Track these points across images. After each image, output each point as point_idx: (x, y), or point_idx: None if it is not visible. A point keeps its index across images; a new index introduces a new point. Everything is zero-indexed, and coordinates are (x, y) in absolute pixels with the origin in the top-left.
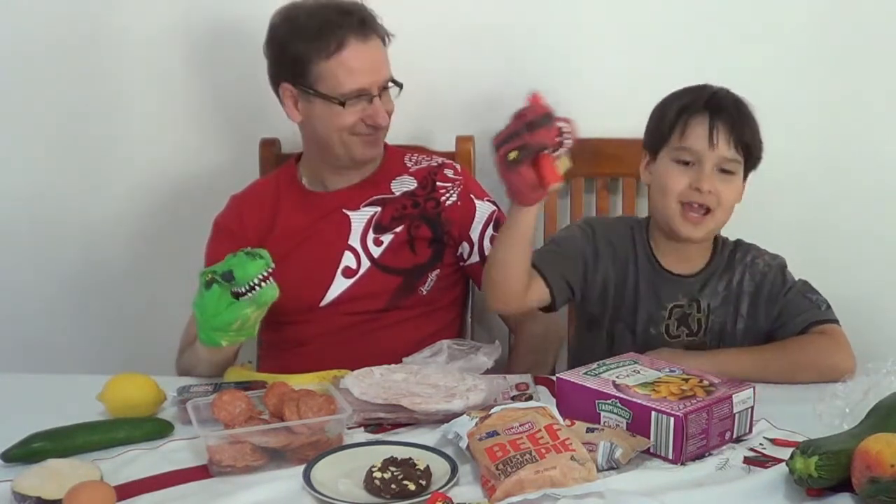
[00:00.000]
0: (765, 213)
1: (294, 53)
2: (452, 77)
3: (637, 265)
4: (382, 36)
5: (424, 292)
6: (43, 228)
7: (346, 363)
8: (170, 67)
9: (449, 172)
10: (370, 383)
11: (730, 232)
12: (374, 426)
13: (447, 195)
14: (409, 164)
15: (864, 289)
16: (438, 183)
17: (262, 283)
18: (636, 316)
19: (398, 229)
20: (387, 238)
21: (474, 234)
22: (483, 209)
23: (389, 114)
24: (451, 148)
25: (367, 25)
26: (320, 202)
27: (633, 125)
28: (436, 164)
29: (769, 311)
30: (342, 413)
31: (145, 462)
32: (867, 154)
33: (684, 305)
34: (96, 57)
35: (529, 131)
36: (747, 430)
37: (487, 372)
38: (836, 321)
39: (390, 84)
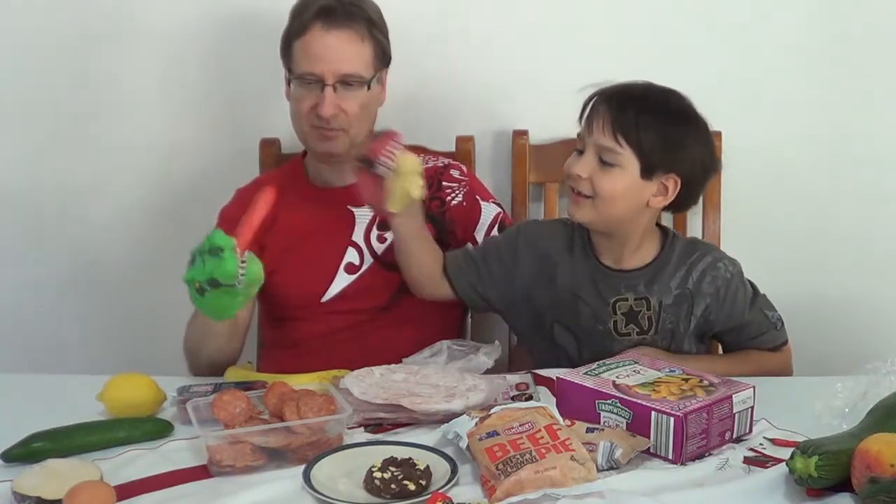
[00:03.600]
0: (765, 213)
1: (285, 31)
2: (452, 77)
3: (573, 262)
4: (362, 32)
5: None
6: (43, 228)
7: (346, 363)
8: (169, 67)
9: (455, 173)
10: (370, 383)
11: (729, 231)
12: (374, 426)
13: (453, 195)
14: None
15: (864, 289)
16: (444, 183)
17: (243, 269)
18: (577, 312)
19: None
20: (390, 235)
21: (479, 236)
22: (488, 211)
23: (348, 112)
24: (451, 148)
25: (336, 14)
26: (325, 198)
27: None
28: (442, 164)
29: (728, 321)
30: (342, 413)
31: (145, 462)
32: (867, 154)
33: (630, 300)
34: (95, 57)
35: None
36: (747, 430)
37: (487, 372)
38: (786, 340)
39: (354, 80)
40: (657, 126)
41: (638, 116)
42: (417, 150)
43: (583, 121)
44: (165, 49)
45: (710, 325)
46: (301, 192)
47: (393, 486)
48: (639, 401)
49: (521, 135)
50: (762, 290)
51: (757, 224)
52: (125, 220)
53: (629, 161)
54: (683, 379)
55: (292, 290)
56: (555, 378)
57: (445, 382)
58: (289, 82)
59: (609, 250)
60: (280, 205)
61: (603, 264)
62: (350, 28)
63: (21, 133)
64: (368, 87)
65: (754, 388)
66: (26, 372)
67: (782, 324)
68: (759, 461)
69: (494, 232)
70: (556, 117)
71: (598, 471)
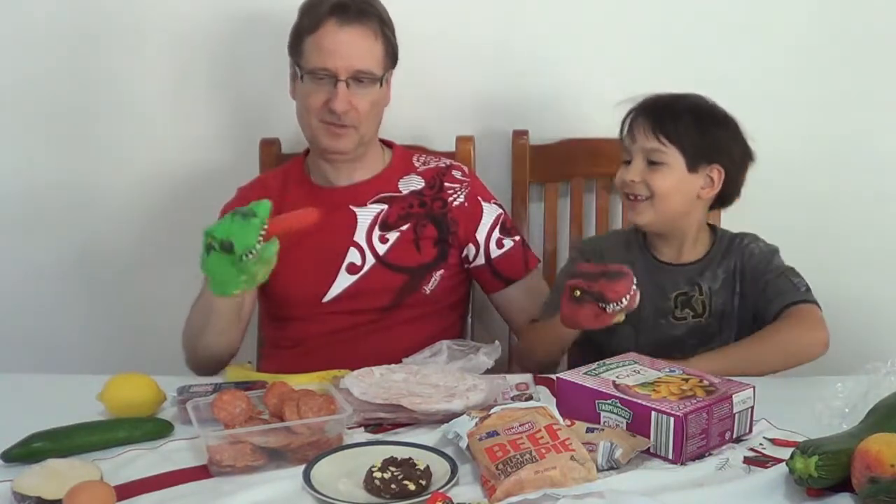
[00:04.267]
0: (765, 213)
1: (295, 27)
2: (452, 78)
3: (634, 265)
4: (375, 29)
5: (428, 292)
6: (43, 228)
7: (347, 363)
8: (170, 67)
9: (457, 174)
10: (370, 383)
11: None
12: (374, 426)
13: (454, 196)
14: (417, 164)
15: (864, 289)
16: (446, 184)
17: (259, 244)
18: (640, 307)
19: (404, 227)
20: (392, 236)
21: (480, 237)
22: (490, 211)
23: (360, 108)
24: (451, 148)
25: (350, 11)
26: (327, 197)
27: None
28: (444, 164)
29: (755, 288)
30: (342, 413)
31: (145, 462)
32: (867, 154)
33: (686, 291)
34: (96, 57)
35: (604, 279)
36: (747, 430)
37: (487, 372)
38: (813, 302)
39: (367, 77)
40: (693, 123)
41: (675, 117)
42: (425, 151)
43: (624, 133)
44: (166, 49)
45: (748, 299)
46: (303, 191)
47: (393, 486)
48: (639, 401)
49: (521, 135)
50: None
51: (757, 224)
52: (125, 219)
53: (674, 157)
54: (683, 379)
55: (294, 290)
56: (555, 378)
57: (445, 382)
58: (294, 79)
59: (667, 248)
60: (282, 203)
61: (661, 261)
62: (363, 25)
63: (21, 133)
64: (381, 85)
65: (754, 388)
66: (26, 372)
67: (808, 289)
68: (759, 461)
69: (496, 232)
70: (555, 117)
71: (598, 471)
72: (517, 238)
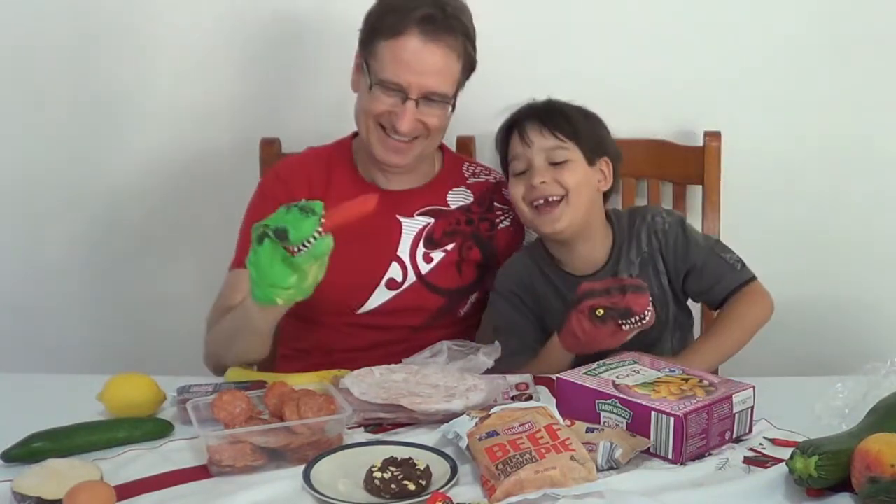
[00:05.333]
0: (765, 213)
1: (371, 22)
2: None
3: (550, 282)
4: (458, 48)
5: (462, 314)
6: (43, 228)
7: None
8: (170, 67)
9: (507, 193)
10: (370, 383)
11: (730, 231)
12: (374, 426)
13: (503, 218)
14: (466, 175)
15: (864, 289)
16: (496, 203)
17: (315, 237)
18: None
19: (449, 247)
20: (437, 255)
21: None
22: (531, 237)
23: (431, 127)
24: (451, 148)
25: (438, 25)
26: None
27: (632, 125)
28: (494, 180)
29: (678, 267)
30: (342, 413)
31: (145, 462)
32: (867, 154)
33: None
34: (96, 57)
35: (623, 294)
36: (747, 430)
37: (487, 372)
38: (752, 277)
39: (439, 98)
40: (580, 119)
41: (564, 115)
42: (467, 157)
43: (513, 142)
44: (166, 49)
45: (675, 278)
46: (349, 185)
47: (393, 486)
48: (639, 401)
49: None
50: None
51: (757, 224)
52: (125, 219)
53: (575, 153)
54: (683, 379)
55: (329, 297)
56: (555, 378)
57: (445, 382)
58: (359, 71)
59: (574, 257)
60: (327, 193)
61: (574, 275)
62: (447, 43)
63: (20, 133)
64: (453, 108)
65: (754, 388)
66: (26, 372)
67: (743, 265)
68: (758, 461)
69: None
70: None
71: (598, 471)
72: None
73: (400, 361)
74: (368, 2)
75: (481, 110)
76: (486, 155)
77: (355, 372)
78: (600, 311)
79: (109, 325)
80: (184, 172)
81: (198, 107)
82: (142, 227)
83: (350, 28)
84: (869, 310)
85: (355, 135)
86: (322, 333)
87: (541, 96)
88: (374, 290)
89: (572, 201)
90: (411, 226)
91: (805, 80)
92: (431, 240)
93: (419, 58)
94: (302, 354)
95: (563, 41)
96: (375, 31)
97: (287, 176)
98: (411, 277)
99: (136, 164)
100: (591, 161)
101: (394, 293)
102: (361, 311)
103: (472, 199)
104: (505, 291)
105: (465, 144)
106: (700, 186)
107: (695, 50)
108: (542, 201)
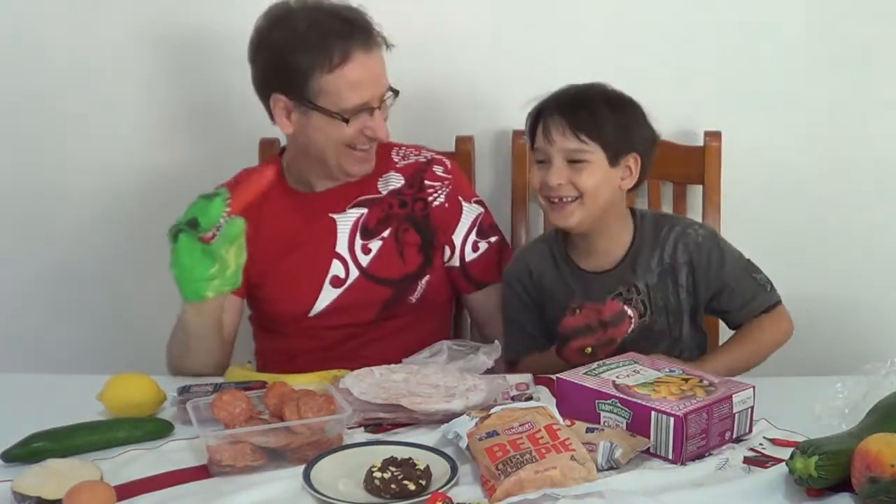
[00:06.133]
0: (765, 213)
1: (292, 65)
2: (452, 78)
3: (562, 276)
4: (381, 43)
5: (414, 300)
6: (42, 228)
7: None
8: (169, 67)
9: (438, 170)
10: (370, 383)
11: (730, 231)
12: (374, 426)
13: (435, 195)
14: (396, 159)
15: (864, 289)
16: (427, 182)
17: (223, 221)
18: None
19: (385, 233)
20: (375, 245)
21: (457, 239)
22: (469, 212)
23: (384, 125)
24: (451, 148)
25: (370, 35)
26: (306, 204)
27: None
28: (424, 159)
29: (709, 285)
30: (342, 413)
31: (145, 462)
32: (867, 154)
33: (623, 293)
34: (96, 57)
35: (605, 329)
36: (747, 430)
37: (487, 372)
38: (778, 300)
39: (389, 94)
40: (610, 116)
41: (591, 113)
42: (396, 143)
43: (537, 134)
44: (166, 49)
45: (700, 294)
46: (282, 197)
47: (393, 486)
48: (639, 401)
49: (521, 135)
50: None
51: (757, 224)
52: (125, 220)
53: (596, 155)
54: (683, 379)
55: (280, 305)
56: (555, 378)
57: (445, 382)
58: (290, 113)
59: (588, 253)
60: (262, 211)
61: (587, 272)
62: (376, 43)
63: (18, 134)
64: (396, 93)
65: (754, 388)
66: (26, 372)
67: (772, 286)
68: (758, 461)
69: (473, 235)
70: None
71: (598, 471)
72: (494, 240)
73: (365, 358)
74: (369, 2)
75: (480, 110)
76: (486, 154)
77: (355, 372)
78: (588, 350)
79: (109, 325)
80: (184, 172)
81: (198, 107)
82: (142, 227)
83: None
84: (869, 310)
85: (282, 151)
86: (286, 341)
87: (539, 96)
88: (320, 291)
89: (587, 203)
90: (345, 220)
91: (805, 80)
92: (367, 230)
93: (369, 70)
94: (276, 363)
95: (562, 41)
96: (305, 71)
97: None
98: (353, 272)
99: (136, 163)
100: (614, 161)
101: (340, 290)
102: (313, 313)
103: (402, 182)
104: (511, 279)
105: (465, 144)
106: (700, 186)
107: (695, 50)
108: (556, 199)
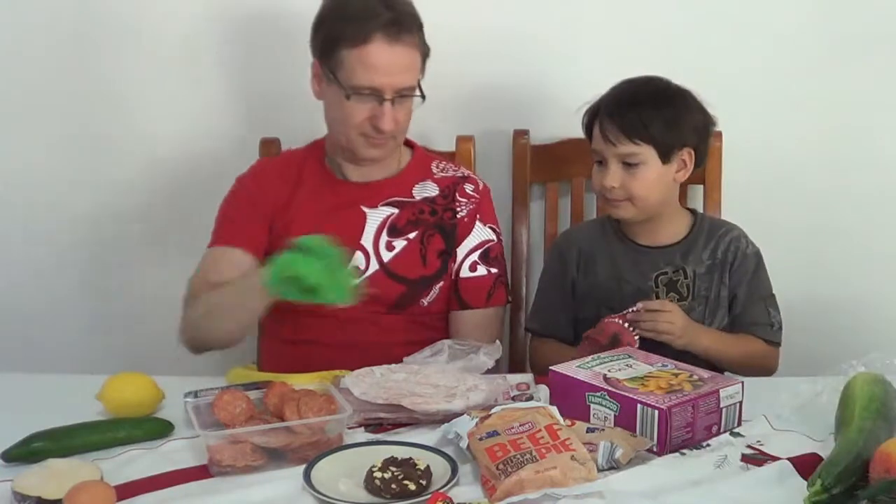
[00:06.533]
0: (765, 213)
1: (328, 32)
2: (453, 77)
3: (611, 249)
4: (418, 43)
5: (425, 304)
6: (42, 228)
7: (344, 363)
8: (169, 67)
9: (469, 188)
10: (370, 383)
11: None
12: (375, 426)
13: (461, 209)
14: (434, 171)
15: (864, 288)
16: (458, 196)
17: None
18: (622, 294)
19: (412, 235)
20: (399, 244)
21: (460, 252)
22: (480, 232)
23: (401, 122)
24: (451, 148)
25: (401, 27)
26: (340, 191)
27: None
28: (461, 175)
29: (731, 285)
30: (342, 413)
31: (145, 462)
32: (868, 154)
33: (669, 273)
34: (97, 57)
35: (615, 346)
36: (735, 424)
37: (488, 372)
38: (778, 344)
39: (409, 93)
40: (658, 115)
41: (641, 114)
42: (439, 156)
43: (594, 134)
44: (166, 49)
45: (730, 288)
46: (318, 180)
47: (393, 486)
48: (626, 394)
49: (521, 135)
50: None
51: (757, 223)
52: (125, 219)
53: (649, 155)
54: (673, 374)
55: None
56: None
57: (446, 382)
58: (322, 81)
59: (643, 232)
60: (296, 187)
61: (640, 244)
62: (408, 41)
63: (19, 133)
64: (423, 97)
65: (742, 383)
66: (26, 372)
67: (780, 328)
68: (757, 459)
69: (475, 255)
70: (556, 117)
71: (599, 471)
72: (494, 271)
73: (364, 351)
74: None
75: (481, 110)
76: (486, 154)
77: (356, 372)
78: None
79: (109, 325)
80: (183, 172)
81: (198, 107)
82: (142, 226)
83: None
84: (870, 308)
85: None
86: (294, 321)
87: (540, 96)
88: None
89: (638, 203)
90: (375, 216)
91: (805, 79)
92: (395, 228)
93: (388, 61)
94: (278, 345)
95: (562, 41)
96: (335, 40)
97: (260, 170)
98: (374, 265)
99: (135, 164)
100: (666, 158)
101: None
102: None
103: (437, 191)
104: (557, 252)
105: (465, 144)
106: (701, 186)
107: (695, 49)
108: (610, 199)
